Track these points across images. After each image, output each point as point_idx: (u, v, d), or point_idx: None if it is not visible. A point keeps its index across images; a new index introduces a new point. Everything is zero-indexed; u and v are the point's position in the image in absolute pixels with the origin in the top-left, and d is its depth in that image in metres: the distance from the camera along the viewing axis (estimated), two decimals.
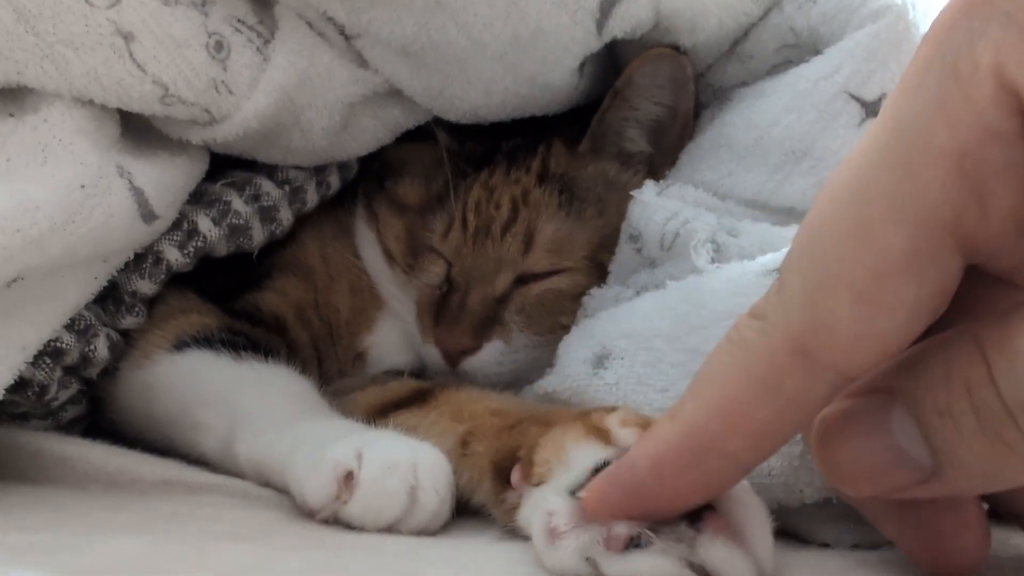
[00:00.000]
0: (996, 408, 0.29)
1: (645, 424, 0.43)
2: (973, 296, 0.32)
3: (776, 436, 0.34)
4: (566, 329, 0.63)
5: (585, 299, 0.66)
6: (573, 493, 0.40)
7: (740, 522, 0.37)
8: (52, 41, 0.54)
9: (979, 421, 0.29)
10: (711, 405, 0.34)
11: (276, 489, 0.54)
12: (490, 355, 0.69)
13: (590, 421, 0.44)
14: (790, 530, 0.49)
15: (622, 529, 0.37)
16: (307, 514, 0.48)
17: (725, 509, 0.37)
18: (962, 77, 0.28)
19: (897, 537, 0.40)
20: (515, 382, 0.67)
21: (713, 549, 0.36)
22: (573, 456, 0.43)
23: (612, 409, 0.45)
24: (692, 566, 0.36)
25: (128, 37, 0.56)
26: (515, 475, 0.46)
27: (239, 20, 0.60)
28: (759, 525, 0.38)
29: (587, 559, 0.38)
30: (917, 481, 0.31)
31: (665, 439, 0.35)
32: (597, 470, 0.40)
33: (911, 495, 0.32)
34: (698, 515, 0.37)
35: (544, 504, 0.40)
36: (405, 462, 0.47)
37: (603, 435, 0.43)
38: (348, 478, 0.47)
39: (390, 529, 0.47)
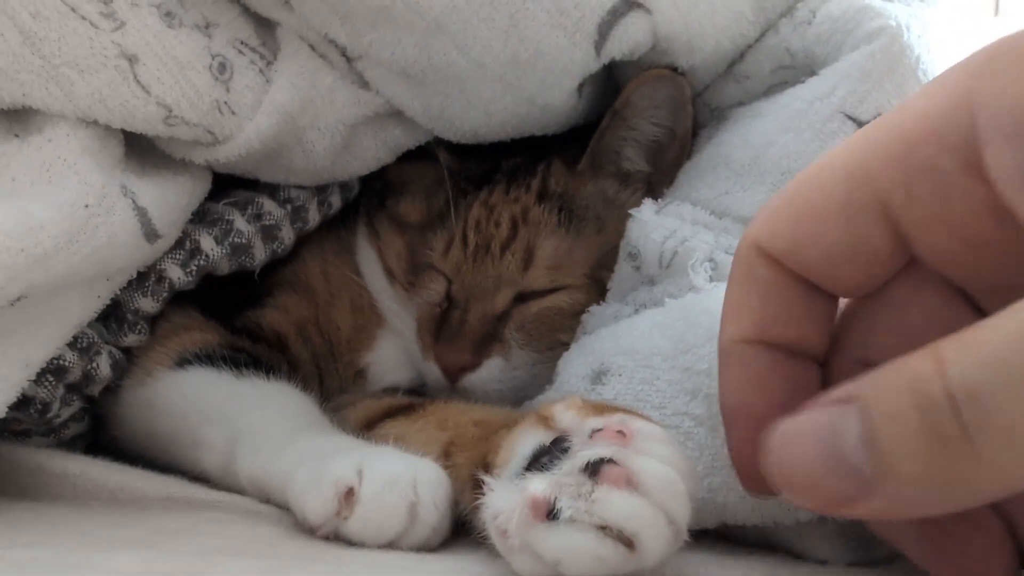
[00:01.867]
0: (941, 401, 0.28)
1: (587, 407, 0.42)
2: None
3: (765, 321, 0.38)
4: (565, 346, 0.63)
5: (584, 316, 0.66)
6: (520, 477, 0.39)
7: (636, 469, 0.36)
8: (57, 63, 0.55)
9: (922, 416, 0.29)
10: (728, 300, 0.39)
11: (277, 505, 0.54)
12: (490, 372, 0.69)
13: (539, 412, 0.44)
14: (787, 547, 0.49)
15: (535, 487, 0.36)
16: (308, 530, 0.49)
17: (625, 459, 0.36)
18: (945, 83, 0.33)
19: (921, 559, 0.40)
20: (515, 399, 0.67)
21: (611, 505, 0.35)
22: (518, 448, 0.42)
23: (562, 399, 0.44)
24: (605, 530, 0.35)
25: (132, 59, 0.57)
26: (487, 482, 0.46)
27: (242, 42, 0.61)
28: (656, 469, 0.36)
29: (528, 548, 0.36)
30: (853, 493, 0.31)
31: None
32: (536, 456, 0.39)
33: (843, 513, 0.32)
34: (597, 467, 0.36)
35: (488, 508, 0.40)
36: (405, 478, 0.47)
37: (547, 422, 0.42)
38: (349, 494, 0.47)
39: (390, 545, 0.47)
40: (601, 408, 0.41)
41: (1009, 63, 0.31)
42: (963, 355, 0.28)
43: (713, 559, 0.47)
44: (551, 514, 0.36)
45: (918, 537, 0.39)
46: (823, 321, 0.39)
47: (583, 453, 0.37)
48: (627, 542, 0.35)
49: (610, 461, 0.36)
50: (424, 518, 0.47)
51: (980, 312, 0.37)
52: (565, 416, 0.41)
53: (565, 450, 0.38)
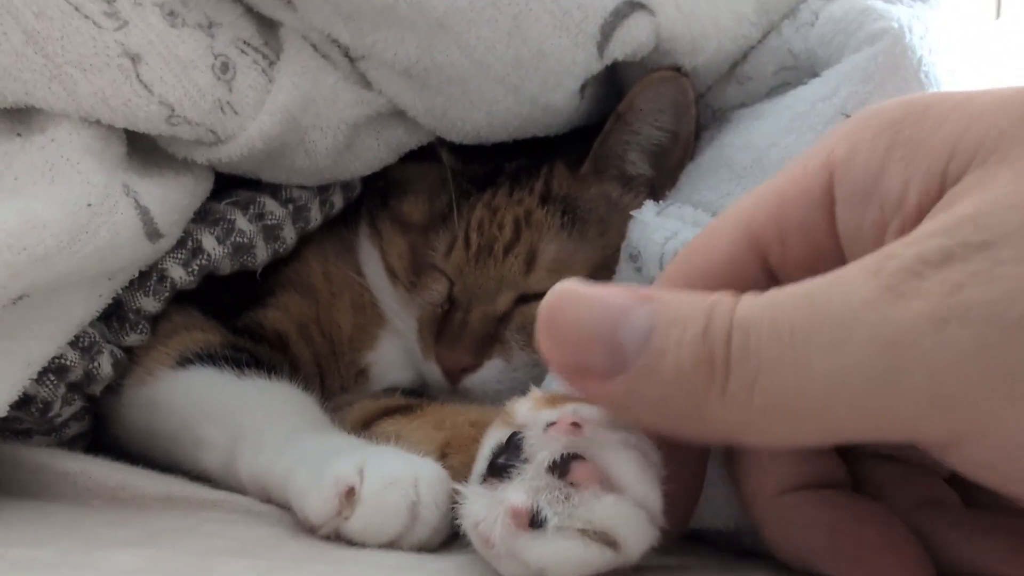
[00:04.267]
0: (722, 327, 0.31)
1: (543, 399, 0.41)
2: None
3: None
4: None
5: None
6: (483, 482, 0.38)
7: (607, 465, 0.36)
8: (60, 62, 0.55)
9: (702, 333, 0.31)
10: None
11: (278, 505, 0.54)
12: (491, 373, 0.69)
13: (505, 410, 0.43)
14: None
15: (515, 497, 0.35)
16: (309, 530, 0.49)
17: (591, 454, 0.36)
18: (820, 145, 0.36)
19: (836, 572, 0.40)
20: None
21: (593, 509, 0.35)
22: (484, 449, 0.41)
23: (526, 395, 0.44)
24: (588, 533, 0.35)
25: (135, 58, 0.57)
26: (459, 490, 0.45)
27: (245, 42, 0.61)
28: (627, 462, 0.36)
29: (514, 556, 0.36)
30: (605, 368, 0.33)
31: None
32: (496, 455, 0.39)
33: (581, 385, 0.34)
34: (566, 465, 0.36)
35: (468, 516, 0.39)
36: (406, 478, 0.47)
37: (507, 417, 0.41)
38: (350, 494, 0.47)
39: (391, 545, 0.47)
40: (554, 399, 0.40)
41: (862, 132, 0.35)
42: (756, 298, 0.32)
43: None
44: (534, 522, 0.35)
45: (832, 554, 0.39)
46: None
47: (543, 453, 0.37)
48: (611, 542, 0.35)
49: (577, 457, 0.36)
50: (425, 518, 0.47)
51: None
52: (522, 410, 0.40)
53: (518, 445, 0.38)
